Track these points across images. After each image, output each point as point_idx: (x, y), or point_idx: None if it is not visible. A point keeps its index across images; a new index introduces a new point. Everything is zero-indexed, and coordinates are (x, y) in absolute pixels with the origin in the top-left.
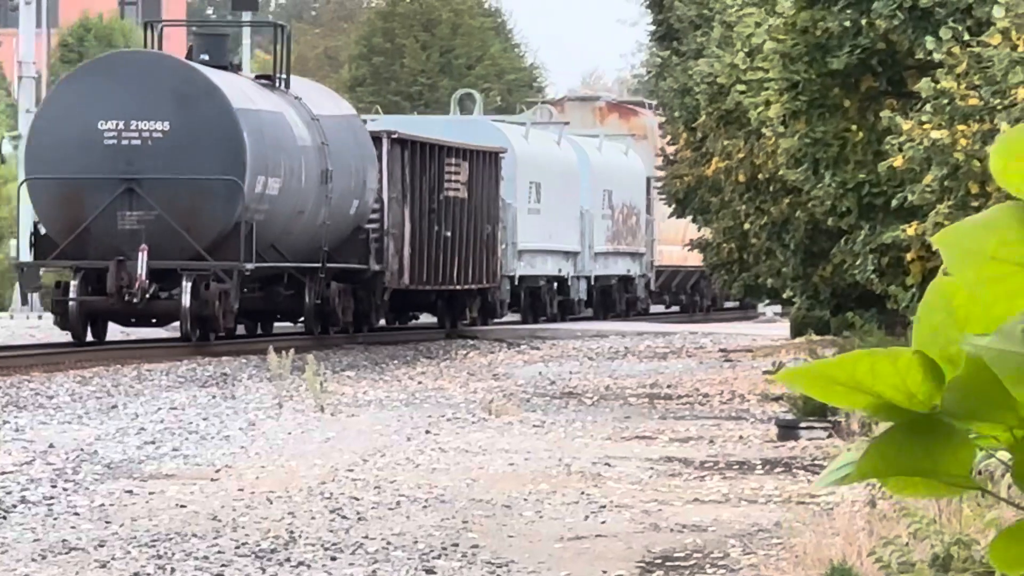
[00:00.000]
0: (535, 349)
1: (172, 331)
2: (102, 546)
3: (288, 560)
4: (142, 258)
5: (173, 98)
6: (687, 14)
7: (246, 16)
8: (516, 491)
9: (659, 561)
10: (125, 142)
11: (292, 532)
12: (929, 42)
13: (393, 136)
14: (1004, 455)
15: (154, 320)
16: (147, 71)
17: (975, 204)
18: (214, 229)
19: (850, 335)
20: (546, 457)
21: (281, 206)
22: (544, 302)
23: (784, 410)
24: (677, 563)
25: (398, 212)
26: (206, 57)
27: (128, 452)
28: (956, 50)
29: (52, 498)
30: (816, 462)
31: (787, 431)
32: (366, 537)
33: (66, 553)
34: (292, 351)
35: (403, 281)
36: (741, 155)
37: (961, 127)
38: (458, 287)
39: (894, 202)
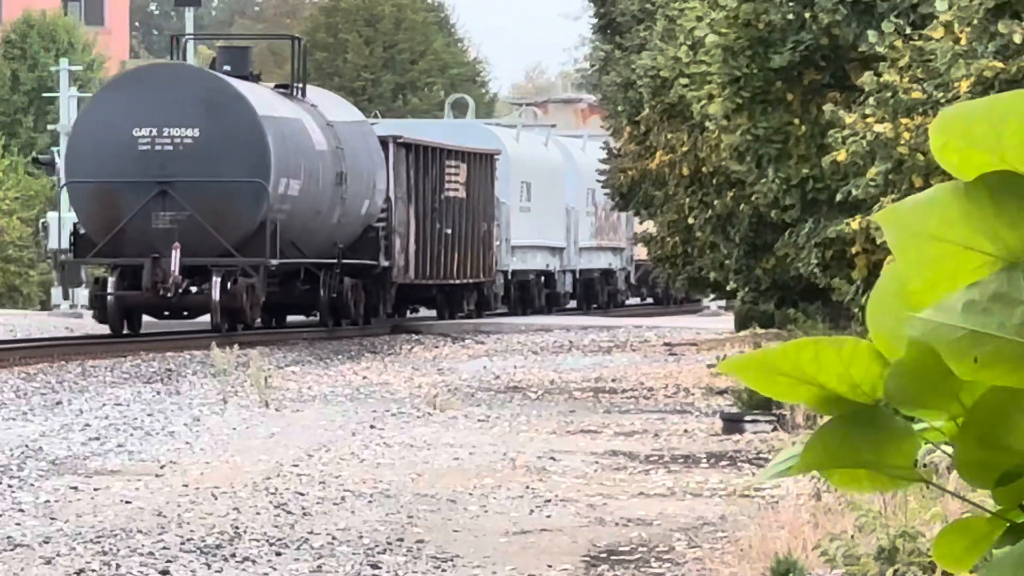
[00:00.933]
0: (479, 343)
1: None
2: (47, 542)
3: (233, 556)
4: (175, 255)
5: (203, 107)
6: (630, 8)
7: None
8: (461, 486)
9: (604, 555)
10: (158, 148)
11: (237, 528)
12: (871, 36)
13: (399, 140)
14: (948, 448)
15: (185, 313)
16: (178, 82)
17: None
18: (241, 228)
19: (794, 328)
20: (491, 451)
21: (301, 206)
22: (533, 295)
23: (729, 403)
24: (622, 557)
25: (403, 211)
26: (229, 68)
27: (73, 448)
28: (899, 44)
29: None
30: (761, 455)
31: (732, 424)
32: (311, 532)
33: (11, 550)
34: (236, 346)
35: (408, 276)
36: (685, 148)
37: (904, 120)
38: (457, 281)
39: (838, 196)
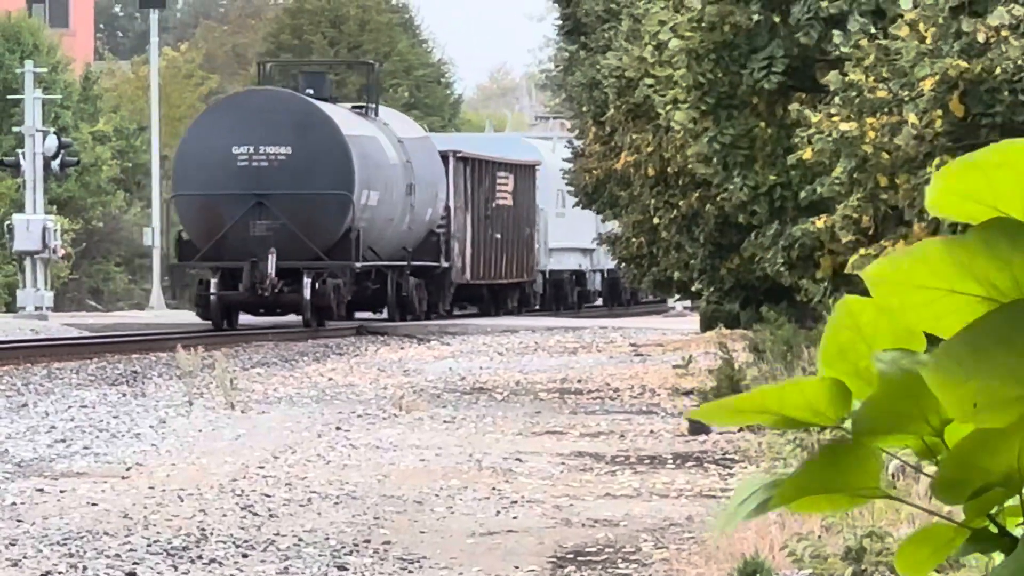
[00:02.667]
0: (445, 345)
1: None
2: (13, 544)
3: (200, 558)
4: (271, 259)
5: (294, 127)
6: (594, 8)
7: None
8: (427, 487)
9: (571, 556)
10: (255, 164)
11: (203, 530)
12: (836, 36)
13: (458, 155)
14: (909, 456)
15: (279, 310)
16: (273, 105)
17: (884, 196)
18: (329, 235)
19: (760, 328)
20: (457, 453)
21: (378, 215)
22: (567, 292)
23: (694, 404)
24: (589, 558)
25: (461, 218)
26: (311, 91)
27: (39, 450)
28: (864, 43)
29: None
30: (727, 456)
31: (698, 425)
32: (277, 534)
33: None
34: (201, 347)
35: (465, 276)
36: (650, 149)
37: (870, 120)
38: (505, 281)
39: (802, 195)
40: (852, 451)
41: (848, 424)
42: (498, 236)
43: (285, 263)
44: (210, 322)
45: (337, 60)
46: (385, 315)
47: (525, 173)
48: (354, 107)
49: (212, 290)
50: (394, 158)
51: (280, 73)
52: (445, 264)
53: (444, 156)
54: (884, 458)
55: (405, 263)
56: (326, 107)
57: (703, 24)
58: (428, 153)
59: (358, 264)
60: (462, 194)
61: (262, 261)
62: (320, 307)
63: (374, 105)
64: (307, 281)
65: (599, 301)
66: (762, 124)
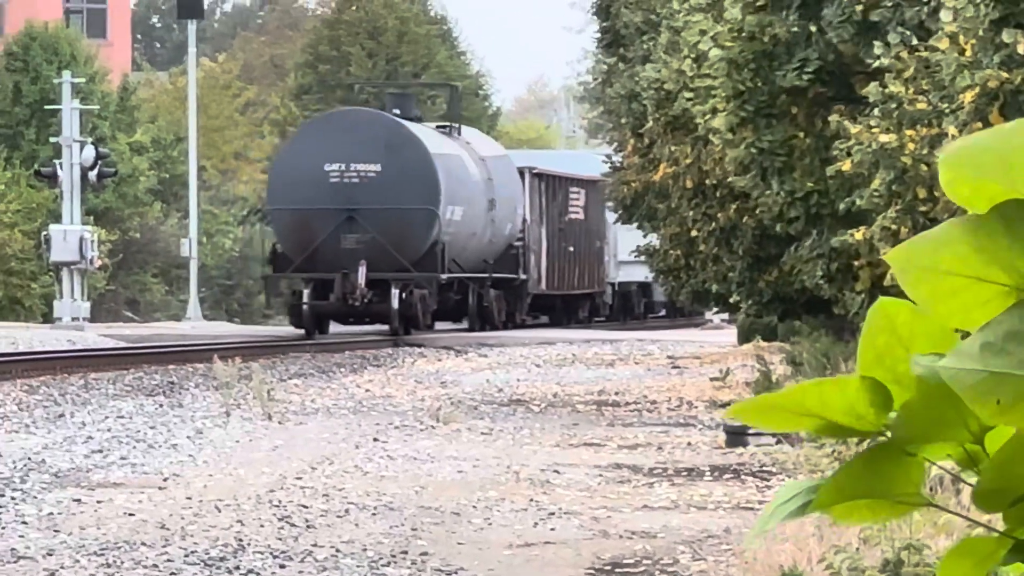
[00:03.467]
0: (482, 356)
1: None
2: (51, 555)
3: (237, 568)
4: (362, 271)
5: (383, 146)
6: (633, 20)
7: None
8: (465, 498)
9: (609, 568)
10: (346, 180)
11: (241, 540)
12: (877, 47)
13: (534, 171)
14: (950, 465)
15: (367, 319)
16: (363, 124)
17: (923, 209)
18: (416, 248)
19: (798, 341)
20: (495, 464)
21: (462, 229)
22: (634, 304)
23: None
24: (627, 570)
25: (537, 232)
26: (398, 111)
27: (76, 461)
28: (904, 55)
29: (0, 507)
30: (764, 468)
31: (735, 437)
32: (315, 545)
33: (15, 562)
34: (238, 359)
35: (541, 287)
36: (688, 161)
37: (909, 132)
38: (577, 292)
39: (841, 207)
40: (894, 456)
41: (890, 433)
42: (571, 249)
43: (374, 275)
44: (303, 330)
45: (422, 83)
46: (465, 325)
47: (595, 187)
48: (438, 127)
49: (304, 300)
50: (476, 175)
51: (344, 91)
52: (523, 276)
53: (521, 172)
54: (926, 466)
55: (486, 275)
56: (413, 127)
57: (743, 34)
58: (507, 170)
59: (443, 276)
60: (537, 208)
61: (352, 273)
62: (407, 317)
63: (457, 125)
64: (395, 292)
65: (663, 312)
66: (800, 134)
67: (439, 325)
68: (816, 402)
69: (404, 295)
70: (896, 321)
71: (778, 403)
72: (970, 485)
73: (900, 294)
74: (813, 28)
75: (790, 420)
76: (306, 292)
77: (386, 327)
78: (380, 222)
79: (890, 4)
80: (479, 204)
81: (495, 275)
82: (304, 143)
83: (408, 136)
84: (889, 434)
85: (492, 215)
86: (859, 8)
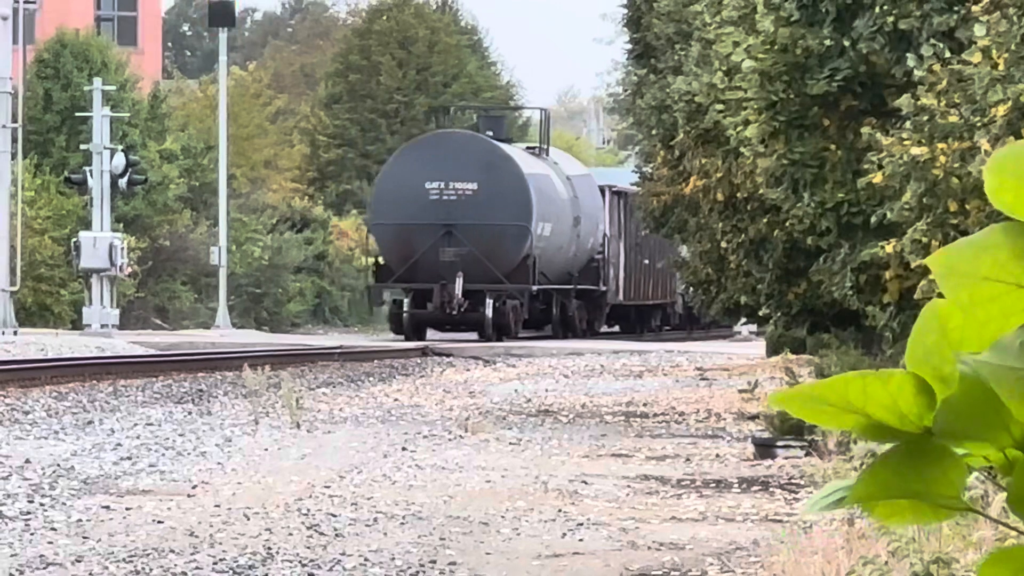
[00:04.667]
0: (511, 367)
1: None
2: (79, 561)
3: None
4: (459, 282)
5: (480, 165)
6: (665, 31)
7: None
8: (493, 508)
9: None
10: (445, 197)
11: (269, 548)
12: (910, 60)
13: (613, 189)
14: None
15: (463, 327)
16: (461, 146)
17: (954, 222)
18: (509, 261)
19: (826, 354)
20: (523, 474)
21: (551, 244)
22: (701, 314)
23: (760, 429)
24: None
25: (615, 246)
26: (490, 133)
27: (104, 468)
28: (937, 67)
29: (29, 513)
30: (793, 480)
31: (764, 449)
32: (343, 554)
33: (43, 568)
34: (266, 367)
35: (619, 298)
36: (719, 174)
37: (941, 145)
38: (650, 302)
39: (872, 219)
40: (933, 455)
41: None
42: (645, 261)
43: (470, 285)
44: (403, 336)
45: (513, 107)
46: (549, 332)
47: None
48: (528, 147)
49: (405, 308)
50: (563, 193)
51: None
52: (603, 287)
53: (602, 190)
54: (967, 471)
55: (570, 286)
56: (508, 148)
57: (775, 46)
58: (590, 188)
59: (534, 287)
60: (616, 224)
61: (450, 283)
62: (499, 325)
63: (545, 146)
64: (489, 302)
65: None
66: (832, 147)
67: (522, 333)
68: (859, 394)
69: (497, 304)
70: (947, 323)
71: (820, 393)
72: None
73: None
74: (846, 42)
75: (831, 414)
76: (407, 301)
77: (474, 334)
78: (476, 237)
79: (919, 13)
80: (566, 220)
81: (579, 286)
82: (405, 163)
83: (503, 156)
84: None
85: (577, 230)
86: (890, 19)
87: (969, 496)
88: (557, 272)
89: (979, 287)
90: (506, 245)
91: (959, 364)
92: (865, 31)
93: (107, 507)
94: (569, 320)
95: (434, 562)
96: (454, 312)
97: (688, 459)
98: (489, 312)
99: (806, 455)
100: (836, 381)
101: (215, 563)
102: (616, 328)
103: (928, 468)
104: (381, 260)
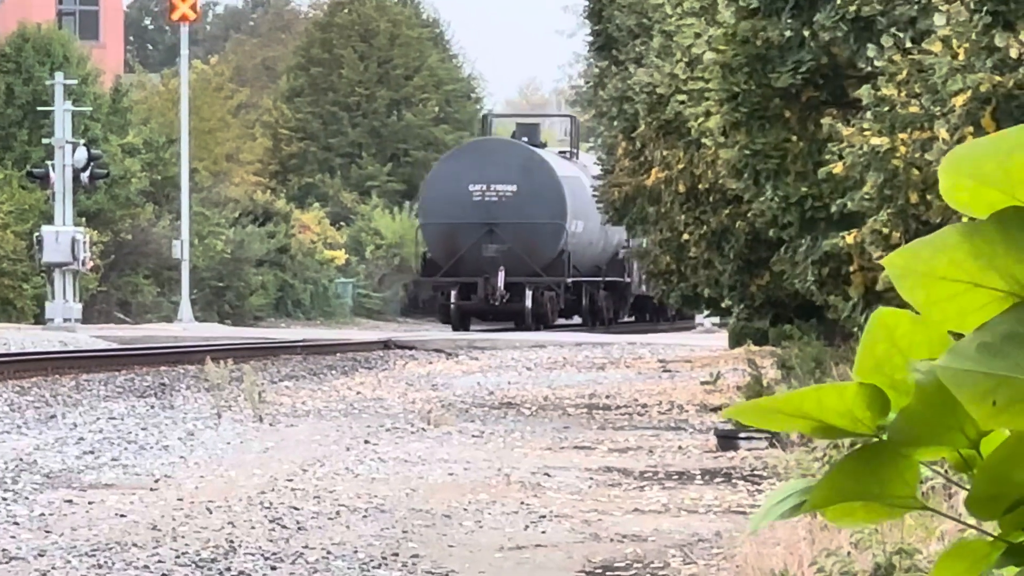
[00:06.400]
0: (473, 360)
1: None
2: (42, 555)
3: (228, 570)
4: (501, 276)
5: (519, 169)
6: (626, 23)
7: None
8: (456, 501)
9: (599, 571)
10: (487, 199)
11: (232, 542)
12: (871, 50)
13: None
14: (943, 470)
15: (505, 317)
16: (502, 151)
17: (914, 212)
18: (546, 256)
19: (788, 345)
20: (485, 467)
21: (582, 240)
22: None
23: (723, 420)
24: (618, 573)
25: (638, 241)
26: (526, 139)
27: (67, 462)
28: (897, 58)
29: None
30: (756, 472)
31: (726, 441)
32: (306, 547)
33: (6, 563)
34: (230, 360)
35: (641, 289)
36: (681, 165)
37: (901, 135)
38: None
39: (833, 208)
40: (888, 458)
41: (885, 436)
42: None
43: (511, 279)
44: (449, 325)
45: (544, 114)
46: (578, 321)
47: None
48: (560, 152)
49: (452, 300)
50: (592, 194)
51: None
52: (627, 279)
53: None
54: (921, 470)
55: (599, 279)
56: (543, 152)
57: (736, 38)
58: None
59: (569, 279)
60: None
61: (493, 277)
62: (538, 314)
63: (575, 150)
64: (528, 293)
65: None
66: (794, 138)
67: (558, 321)
68: (814, 406)
69: (536, 296)
70: (895, 331)
71: (775, 406)
72: (965, 489)
73: (893, 299)
74: (806, 32)
75: (786, 422)
76: (453, 293)
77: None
78: (516, 234)
79: (880, 1)
80: (595, 218)
81: (606, 278)
82: (451, 167)
83: (540, 161)
84: (884, 435)
85: (605, 228)
86: (852, 8)
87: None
88: (588, 266)
89: (935, 286)
90: (543, 241)
91: (913, 372)
92: (827, 21)
93: (70, 501)
94: (598, 310)
95: (396, 555)
96: (497, 303)
97: (651, 451)
98: (529, 303)
99: (769, 446)
100: (791, 396)
101: (178, 556)
102: (631, 318)
103: (883, 470)
104: (429, 256)
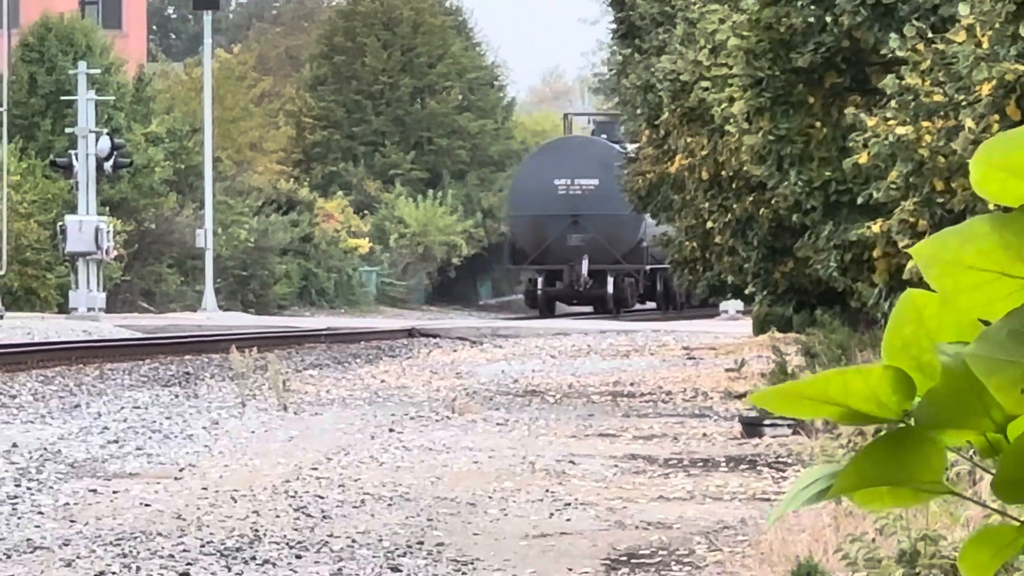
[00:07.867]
0: (498, 347)
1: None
2: (67, 545)
3: (253, 559)
4: (584, 263)
5: (599, 164)
6: (649, 11)
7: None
8: (481, 489)
9: (624, 558)
10: (571, 192)
11: (257, 531)
12: (893, 40)
13: None
14: (969, 455)
15: (588, 302)
16: (584, 148)
17: (940, 200)
18: (626, 245)
19: (813, 332)
20: (510, 455)
21: (657, 230)
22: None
23: (748, 407)
24: (643, 560)
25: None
26: (604, 136)
27: (92, 451)
28: (920, 47)
29: (16, 497)
30: (780, 459)
31: (751, 428)
32: (331, 535)
33: (31, 552)
34: (256, 349)
35: None
36: (704, 152)
37: (926, 124)
38: None
39: (859, 199)
40: (915, 442)
41: (912, 421)
42: None
43: (594, 266)
44: (536, 310)
45: (609, 112)
46: (653, 305)
47: None
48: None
49: (539, 287)
50: None
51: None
52: None
53: None
54: (948, 455)
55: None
56: (621, 148)
57: (760, 24)
58: None
59: (648, 267)
60: None
61: (577, 264)
62: (619, 299)
63: None
64: (610, 280)
65: None
66: (818, 124)
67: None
68: (839, 390)
69: (617, 281)
70: (924, 312)
71: (800, 391)
72: (991, 473)
73: (918, 286)
74: (828, 18)
75: (811, 408)
76: (540, 280)
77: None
78: (598, 225)
79: None
80: None
81: (656, 266)
82: (537, 164)
83: (618, 156)
84: (911, 421)
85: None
86: None
87: (956, 472)
88: (660, 254)
89: (963, 275)
90: (623, 231)
91: (939, 354)
92: (848, 6)
93: (94, 491)
94: (672, 295)
95: (421, 543)
96: (581, 289)
97: (675, 438)
98: (610, 288)
99: (793, 433)
100: (816, 380)
101: (203, 546)
102: (694, 304)
103: (909, 455)
104: (517, 245)
